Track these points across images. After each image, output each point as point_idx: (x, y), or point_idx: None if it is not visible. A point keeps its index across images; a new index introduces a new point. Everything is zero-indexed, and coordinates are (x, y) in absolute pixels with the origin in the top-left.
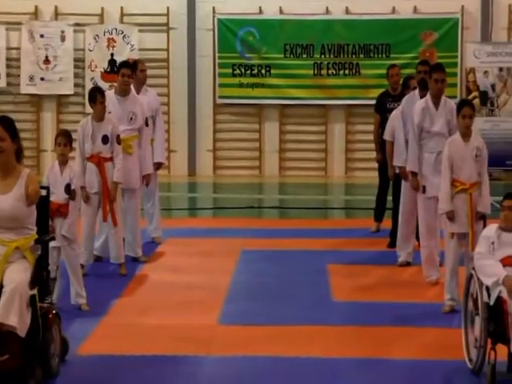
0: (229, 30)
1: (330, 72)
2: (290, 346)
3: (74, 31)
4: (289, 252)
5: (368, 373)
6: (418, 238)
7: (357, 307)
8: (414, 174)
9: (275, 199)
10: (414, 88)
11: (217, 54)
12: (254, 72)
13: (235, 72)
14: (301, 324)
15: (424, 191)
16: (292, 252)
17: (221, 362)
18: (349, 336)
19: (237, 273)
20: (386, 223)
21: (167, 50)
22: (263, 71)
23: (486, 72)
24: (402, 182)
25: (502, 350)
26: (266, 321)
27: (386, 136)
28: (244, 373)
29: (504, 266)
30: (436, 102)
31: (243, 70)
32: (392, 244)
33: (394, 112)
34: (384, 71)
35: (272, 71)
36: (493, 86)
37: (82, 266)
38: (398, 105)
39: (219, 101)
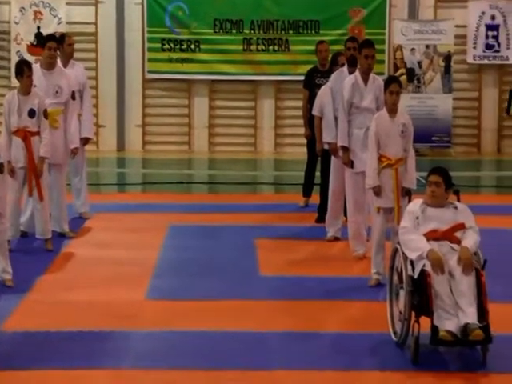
0: (158, 4)
1: (259, 48)
2: (218, 320)
3: None
4: (217, 227)
5: (296, 346)
6: (345, 214)
7: (284, 282)
8: (345, 149)
9: (204, 175)
10: (343, 64)
11: (146, 29)
12: (183, 47)
13: (164, 47)
14: (228, 298)
15: (352, 166)
16: (220, 227)
17: (148, 337)
18: (277, 310)
19: (164, 248)
20: (315, 198)
21: (95, 23)
22: (193, 46)
23: (412, 49)
24: (332, 158)
25: (425, 323)
26: (194, 295)
27: (315, 111)
28: (171, 347)
29: (428, 240)
30: (365, 78)
31: (172, 45)
32: (320, 219)
33: (322, 88)
34: (313, 47)
35: (201, 46)
36: (419, 63)
37: (8, 242)
38: (327, 81)
39: (148, 76)
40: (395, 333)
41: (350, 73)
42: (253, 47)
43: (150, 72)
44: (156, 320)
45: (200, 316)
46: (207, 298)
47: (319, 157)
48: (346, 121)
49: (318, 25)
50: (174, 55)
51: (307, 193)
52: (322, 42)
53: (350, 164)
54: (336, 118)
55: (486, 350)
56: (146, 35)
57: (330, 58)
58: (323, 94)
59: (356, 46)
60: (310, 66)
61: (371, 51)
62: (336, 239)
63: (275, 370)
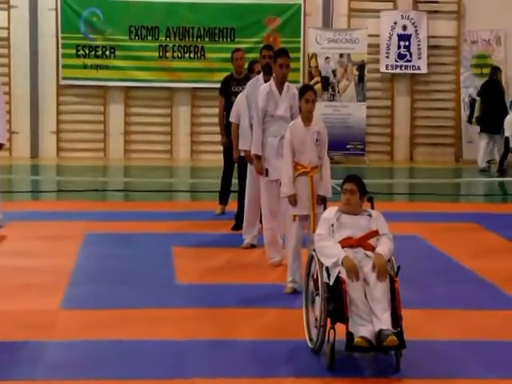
0: (72, 10)
1: (175, 55)
2: (135, 329)
3: None
4: (133, 235)
5: (213, 354)
6: (261, 221)
7: (201, 290)
8: (258, 158)
9: (120, 182)
10: (259, 72)
11: (60, 35)
12: (98, 53)
13: (79, 53)
14: (145, 307)
15: (267, 174)
16: (137, 235)
17: (62, 347)
18: (194, 318)
19: (80, 256)
20: (231, 206)
21: (8, 28)
22: (108, 53)
23: (327, 58)
24: (248, 166)
25: (340, 329)
26: (110, 304)
27: (232, 118)
28: (87, 357)
29: (343, 247)
30: (279, 86)
31: (87, 51)
32: (237, 226)
33: (239, 95)
34: (229, 55)
35: (117, 53)
36: (334, 72)
37: None
38: (243, 88)
39: (63, 82)
40: (311, 339)
41: (266, 81)
42: (168, 54)
43: (64, 78)
44: (71, 329)
45: (116, 325)
46: (124, 306)
47: (236, 164)
48: (261, 129)
49: (233, 32)
50: (89, 61)
51: (223, 200)
52: (237, 49)
53: (265, 172)
54: (252, 126)
55: (400, 356)
56: (61, 41)
57: (246, 66)
58: (240, 101)
59: (271, 54)
60: (225, 74)
61: (286, 60)
62: (252, 246)
63: (192, 379)
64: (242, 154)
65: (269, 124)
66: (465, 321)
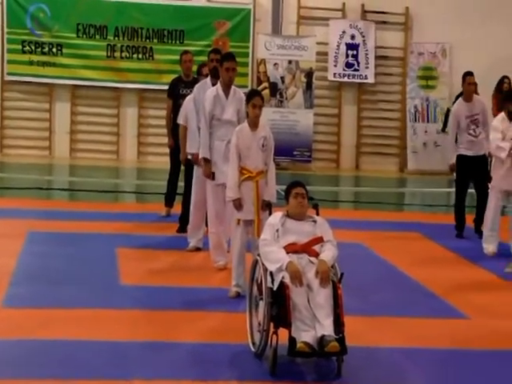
0: (18, 5)
1: (123, 55)
2: (77, 329)
3: None
4: (77, 235)
5: (156, 356)
6: (207, 224)
7: (145, 291)
8: (207, 161)
9: (65, 181)
10: (207, 75)
11: (5, 30)
12: (44, 50)
13: (25, 49)
14: (88, 307)
15: (213, 178)
16: (81, 235)
17: (3, 346)
18: (137, 320)
19: (23, 255)
20: (177, 208)
21: None
22: (54, 50)
23: (276, 64)
24: (194, 169)
25: (283, 334)
26: (53, 304)
27: (180, 120)
28: (27, 356)
29: (287, 252)
30: (226, 90)
31: (34, 48)
32: (181, 229)
33: (187, 98)
34: (177, 57)
35: (64, 50)
36: (282, 78)
37: None
38: (191, 91)
39: (7, 78)
40: (254, 344)
41: (213, 84)
42: (116, 54)
43: (9, 74)
44: (13, 328)
45: (59, 325)
46: (66, 306)
47: (182, 166)
48: (208, 133)
49: (182, 35)
50: (35, 58)
51: (169, 203)
52: (186, 52)
53: (212, 176)
54: (199, 129)
55: (342, 361)
56: (6, 36)
57: (194, 69)
58: (188, 103)
59: (219, 58)
60: (174, 76)
61: (232, 64)
62: (197, 249)
63: (134, 380)
64: (190, 156)
65: (216, 128)
66: (406, 328)
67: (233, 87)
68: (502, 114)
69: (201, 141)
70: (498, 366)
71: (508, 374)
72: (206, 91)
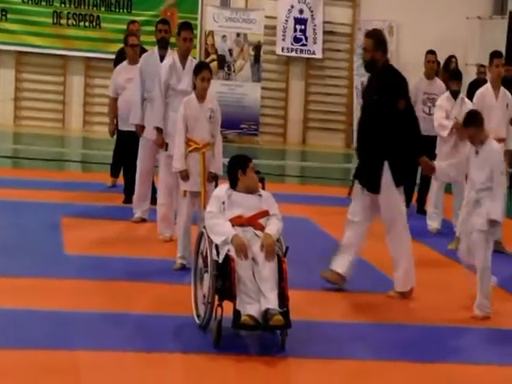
0: None
1: (70, 22)
2: (21, 298)
3: None
4: (21, 203)
5: (100, 327)
6: (154, 195)
7: (90, 261)
8: (160, 131)
9: (9, 149)
10: (132, 45)
11: None
12: None
13: None
14: (32, 276)
15: (166, 149)
16: (24, 203)
17: None
18: (82, 290)
19: None
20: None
21: None
22: None
23: (224, 36)
24: (140, 139)
25: (228, 307)
26: None
27: (109, 92)
28: None
29: (233, 225)
30: (183, 60)
31: None
32: (127, 200)
33: (117, 69)
34: (125, 26)
35: (9, 16)
36: (230, 51)
37: None
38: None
39: None
40: (198, 316)
41: (161, 55)
42: (63, 21)
43: None
44: None
45: (2, 294)
46: (10, 275)
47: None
48: (163, 103)
49: (130, 4)
50: None
51: (115, 173)
52: (133, 21)
53: (165, 146)
54: (144, 100)
55: (285, 335)
56: None
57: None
58: (117, 75)
59: (167, 29)
60: (120, 45)
61: (189, 34)
62: (143, 221)
63: (78, 351)
64: (133, 127)
65: (171, 98)
66: (349, 303)
67: (190, 57)
68: (447, 93)
69: (155, 110)
70: (437, 340)
71: (447, 348)
72: (154, 61)
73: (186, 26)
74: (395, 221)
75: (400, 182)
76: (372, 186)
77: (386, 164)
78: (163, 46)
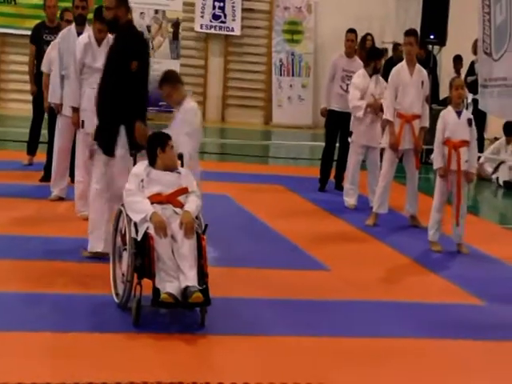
0: None
1: None
2: None
3: None
4: None
5: (16, 307)
6: (72, 174)
7: (7, 241)
8: (75, 110)
9: None
10: (68, 21)
11: None
12: None
13: None
14: None
15: (83, 126)
16: None
17: None
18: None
19: None
20: (39, 157)
21: None
22: None
23: (142, 13)
24: (58, 116)
25: (147, 285)
26: None
27: (43, 68)
28: None
29: (152, 203)
30: (99, 38)
31: None
32: (45, 178)
33: (52, 44)
34: (41, 1)
35: None
36: (148, 28)
37: None
38: (55, 37)
39: None
40: (117, 294)
41: (78, 32)
42: None
43: None
44: None
45: None
46: None
47: (46, 114)
48: (78, 80)
49: None
50: None
51: (32, 151)
52: None
53: (81, 124)
54: (63, 77)
55: (205, 312)
56: None
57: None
58: (51, 50)
59: (85, 5)
60: (37, 21)
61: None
62: (60, 199)
63: None
64: (53, 105)
65: (87, 75)
66: (268, 280)
67: (108, 35)
68: (363, 71)
69: (70, 88)
70: (355, 315)
71: (363, 322)
72: (71, 38)
73: (99, 13)
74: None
75: (135, 147)
76: (108, 149)
77: (122, 128)
78: (81, 22)
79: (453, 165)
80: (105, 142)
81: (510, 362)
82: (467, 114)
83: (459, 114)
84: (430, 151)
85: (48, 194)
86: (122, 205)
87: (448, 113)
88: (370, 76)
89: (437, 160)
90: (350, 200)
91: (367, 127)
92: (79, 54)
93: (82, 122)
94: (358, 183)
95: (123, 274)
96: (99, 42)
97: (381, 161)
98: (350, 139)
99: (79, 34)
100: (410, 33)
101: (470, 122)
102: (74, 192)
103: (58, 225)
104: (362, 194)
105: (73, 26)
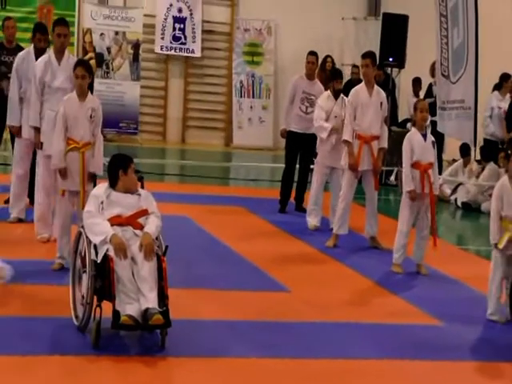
0: None
1: None
2: None
3: None
4: None
5: None
6: (30, 196)
7: None
8: (37, 130)
9: None
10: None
11: None
12: None
13: None
14: None
15: (41, 148)
16: None
17: None
18: None
19: None
20: (1, 178)
21: None
22: None
23: (102, 34)
24: (16, 139)
25: (107, 307)
26: None
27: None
28: None
29: (112, 224)
30: (58, 56)
31: None
32: (7, 200)
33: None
34: None
35: None
36: (108, 49)
37: None
38: (14, 58)
39: None
40: (77, 317)
41: (36, 55)
42: None
43: None
44: None
45: None
46: None
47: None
48: (39, 101)
49: (5, 0)
50: None
51: None
52: (9, 18)
53: (40, 145)
54: (21, 99)
55: (165, 334)
56: None
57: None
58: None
59: (46, 38)
60: None
61: (63, 30)
62: (20, 221)
63: None
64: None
65: (48, 96)
66: (229, 301)
67: (66, 53)
68: (328, 93)
69: (31, 109)
70: (315, 336)
71: (325, 343)
72: (30, 60)
73: (60, 22)
74: None
75: None
76: None
77: None
78: (41, 54)
79: (425, 187)
80: None
81: (467, 382)
82: (430, 136)
83: (424, 136)
84: (390, 172)
85: (7, 216)
86: (82, 226)
87: (414, 135)
88: (336, 98)
89: (407, 183)
90: (312, 220)
91: (332, 148)
92: (39, 72)
93: (41, 143)
94: (322, 204)
95: (83, 297)
96: (59, 60)
97: None
98: (315, 160)
99: (38, 58)
100: (366, 55)
101: (433, 144)
102: (33, 214)
103: (18, 247)
104: (323, 215)
105: (31, 48)
